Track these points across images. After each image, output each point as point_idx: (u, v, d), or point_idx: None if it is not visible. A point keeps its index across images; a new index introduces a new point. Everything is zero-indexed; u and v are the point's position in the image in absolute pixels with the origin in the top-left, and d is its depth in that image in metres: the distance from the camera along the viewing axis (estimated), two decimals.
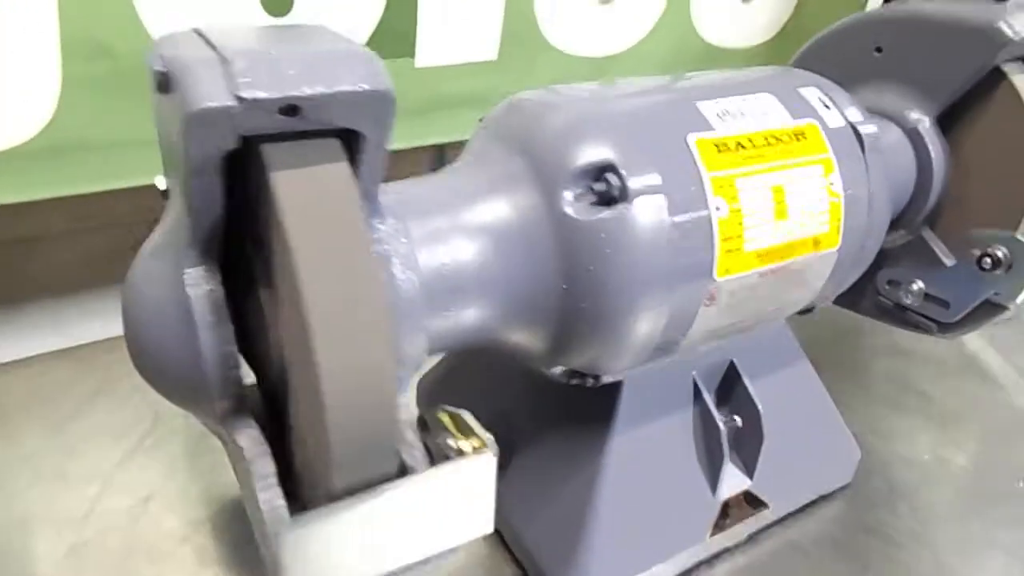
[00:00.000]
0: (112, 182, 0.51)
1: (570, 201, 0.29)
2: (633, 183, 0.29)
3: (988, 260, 0.42)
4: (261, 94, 0.20)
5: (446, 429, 0.26)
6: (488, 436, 0.25)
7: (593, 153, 0.30)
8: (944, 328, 0.46)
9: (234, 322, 0.26)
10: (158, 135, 0.30)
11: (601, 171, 0.29)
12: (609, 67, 0.74)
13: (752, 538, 0.42)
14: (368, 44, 0.58)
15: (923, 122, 0.44)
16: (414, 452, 0.26)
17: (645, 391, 0.37)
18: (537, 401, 0.40)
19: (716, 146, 0.32)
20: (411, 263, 0.28)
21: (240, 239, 0.26)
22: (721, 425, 0.38)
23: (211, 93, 0.20)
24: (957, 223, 0.45)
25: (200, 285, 0.24)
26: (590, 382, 0.34)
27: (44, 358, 0.53)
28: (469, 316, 0.30)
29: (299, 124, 0.22)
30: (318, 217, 0.22)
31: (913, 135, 0.44)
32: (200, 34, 0.23)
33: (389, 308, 0.22)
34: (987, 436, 0.53)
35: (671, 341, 0.33)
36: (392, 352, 0.23)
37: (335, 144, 0.23)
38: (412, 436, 0.26)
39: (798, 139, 0.35)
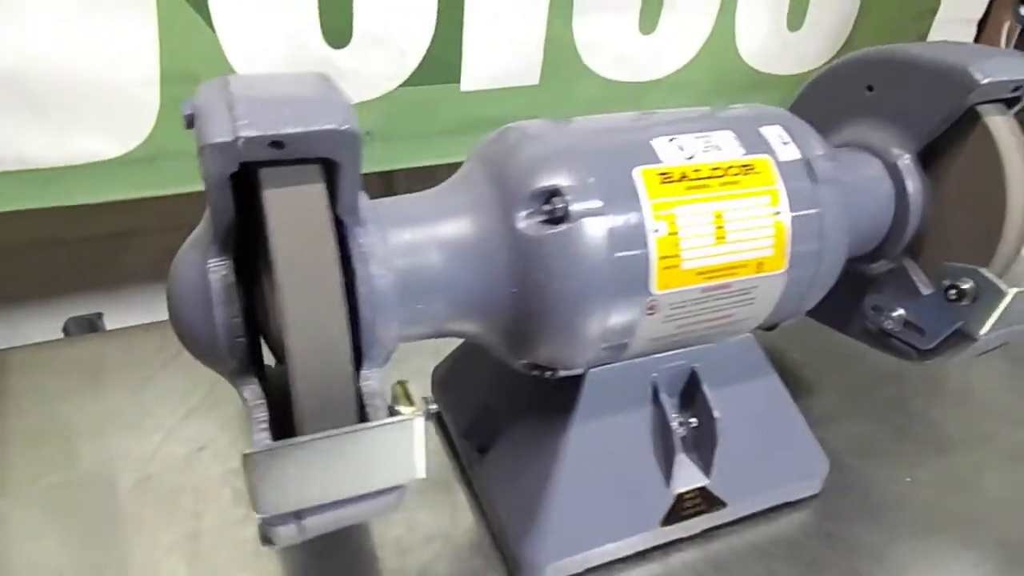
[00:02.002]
0: (198, 185, 0.61)
1: (523, 219, 0.35)
2: (575, 206, 0.35)
3: (954, 292, 0.44)
4: (253, 132, 0.27)
5: (398, 398, 0.32)
6: (418, 406, 0.31)
7: (546, 179, 0.35)
8: (922, 354, 0.48)
9: (250, 303, 0.33)
10: None
11: (550, 195, 0.35)
12: (649, 92, 0.78)
13: (711, 533, 0.46)
14: (416, 71, 0.65)
15: (903, 158, 0.47)
16: (379, 414, 0.32)
17: (606, 388, 0.42)
18: (515, 393, 0.45)
19: (661, 176, 0.37)
20: (387, 264, 0.34)
21: (254, 238, 0.33)
22: (673, 425, 0.42)
23: (218, 131, 0.27)
24: (936, 255, 0.47)
25: (218, 272, 0.32)
26: (548, 374, 0.40)
27: (136, 330, 0.64)
28: (435, 309, 0.36)
29: (285, 155, 0.29)
30: (296, 226, 0.29)
31: (893, 170, 0.47)
32: (225, 82, 0.31)
33: (343, 299, 0.29)
34: (973, 465, 0.54)
35: (618, 343, 0.38)
36: (344, 331, 0.29)
37: (316, 169, 0.30)
38: (379, 402, 0.33)
39: (747, 172, 0.39)
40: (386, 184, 0.83)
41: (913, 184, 0.46)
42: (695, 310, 0.39)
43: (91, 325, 0.79)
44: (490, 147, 0.39)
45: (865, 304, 0.51)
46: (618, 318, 0.37)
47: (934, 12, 0.89)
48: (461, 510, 0.48)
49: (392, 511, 0.34)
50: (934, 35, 1.01)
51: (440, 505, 0.48)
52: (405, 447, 0.30)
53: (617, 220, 0.35)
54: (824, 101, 0.52)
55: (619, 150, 0.37)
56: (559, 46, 0.71)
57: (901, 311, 0.48)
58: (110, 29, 0.54)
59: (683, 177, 0.37)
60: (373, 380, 0.34)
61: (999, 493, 0.51)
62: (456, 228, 0.36)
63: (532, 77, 0.72)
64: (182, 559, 0.44)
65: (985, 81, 0.42)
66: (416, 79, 0.66)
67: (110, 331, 0.73)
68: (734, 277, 0.38)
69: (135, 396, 0.56)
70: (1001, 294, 0.42)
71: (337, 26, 0.61)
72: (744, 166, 0.39)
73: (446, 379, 0.54)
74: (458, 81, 0.68)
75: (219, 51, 0.57)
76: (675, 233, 0.36)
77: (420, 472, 0.31)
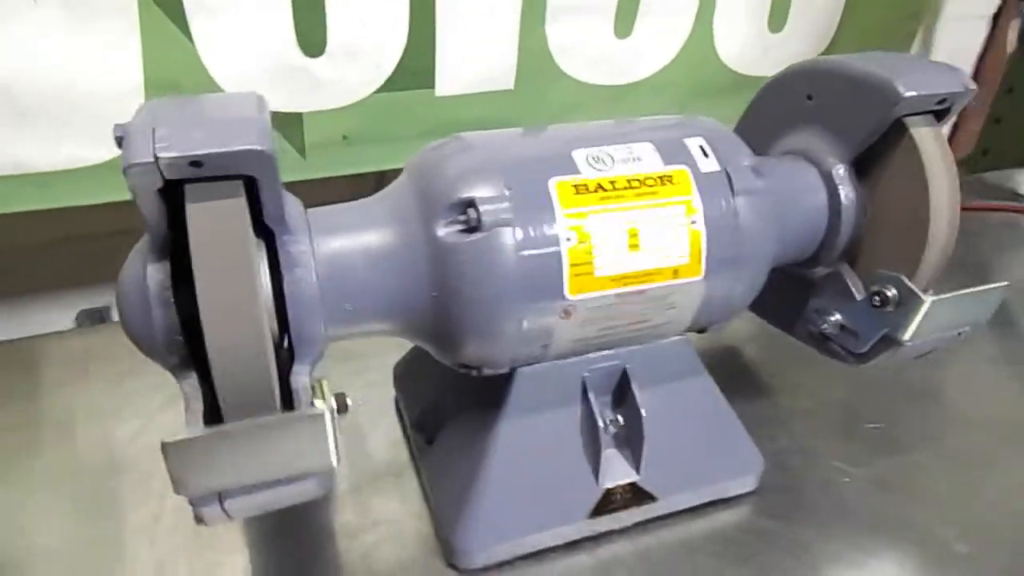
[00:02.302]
0: None
1: (442, 227, 0.38)
2: (489, 217, 0.37)
3: (878, 298, 0.45)
4: (172, 154, 0.30)
5: (314, 393, 0.35)
6: (327, 402, 0.34)
7: (463, 191, 0.38)
8: (856, 358, 0.49)
9: (192, 303, 0.36)
10: None
11: (467, 206, 0.37)
12: (627, 95, 0.80)
13: (643, 527, 0.48)
14: (391, 78, 0.68)
15: (837, 167, 0.48)
16: (304, 407, 0.35)
17: (535, 386, 0.44)
18: (457, 389, 0.48)
19: (575, 188, 0.39)
20: (313, 269, 0.37)
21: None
22: (600, 422, 0.45)
23: (140, 153, 0.30)
24: (870, 262, 0.48)
25: (155, 276, 0.35)
26: (474, 372, 0.42)
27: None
28: (362, 312, 0.39)
29: (205, 172, 0.32)
30: (214, 238, 0.32)
31: (827, 178, 0.48)
32: (154, 107, 0.34)
33: (258, 303, 0.32)
34: (914, 465, 0.55)
35: (538, 345, 0.41)
36: (260, 331, 0.32)
37: (237, 184, 0.33)
38: (305, 396, 0.36)
39: (663, 182, 0.41)
40: (377, 184, 0.86)
41: (846, 192, 0.48)
42: (613, 313, 0.41)
43: (100, 317, 0.84)
44: (424, 156, 0.42)
45: (808, 307, 0.52)
46: (533, 321, 0.39)
47: (920, 15, 0.89)
48: (410, 498, 0.50)
49: (315, 497, 0.37)
50: (943, 32, 1.00)
51: (392, 492, 0.51)
52: (316, 438, 0.33)
53: (529, 230, 0.38)
54: (773, 108, 0.54)
55: (538, 163, 0.40)
56: (533, 52, 0.73)
57: (838, 315, 0.50)
58: (96, 42, 0.57)
59: (598, 188, 0.39)
60: (303, 375, 0.37)
61: (933, 494, 0.52)
62: (382, 235, 0.39)
63: (507, 82, 0.74)
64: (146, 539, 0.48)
65: (908, 94, 0.43)
66: (391, 85, 0.68)
67: (117, 322, 0.77)
68: (650, 283, 0.40)
69: (117, 388, 0.60)
70: (920, 302, 0.43)
71: (312, 37, 0.63)
72: (662, 177, 0.41)
73: (404, 374, 0.56)
74: (432, 87, 0.70)
75: (198, 62, 0.61)
76: (587, 241, 0.39)
77: (332, 462, 0.34)
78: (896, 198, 0.46)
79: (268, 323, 0.36)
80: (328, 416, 0.33)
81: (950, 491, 0.53)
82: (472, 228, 0.37)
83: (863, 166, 0.48)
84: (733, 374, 0.64)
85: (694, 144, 0.43)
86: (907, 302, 0.44)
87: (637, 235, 0.40)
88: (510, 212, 0.37)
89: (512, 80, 0.74)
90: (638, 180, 0.40)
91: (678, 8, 0.77)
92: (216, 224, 0.32)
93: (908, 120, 0.45)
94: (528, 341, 0.40)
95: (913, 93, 0.43)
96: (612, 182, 0.40)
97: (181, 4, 0.58)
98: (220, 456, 0.32)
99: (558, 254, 0.38)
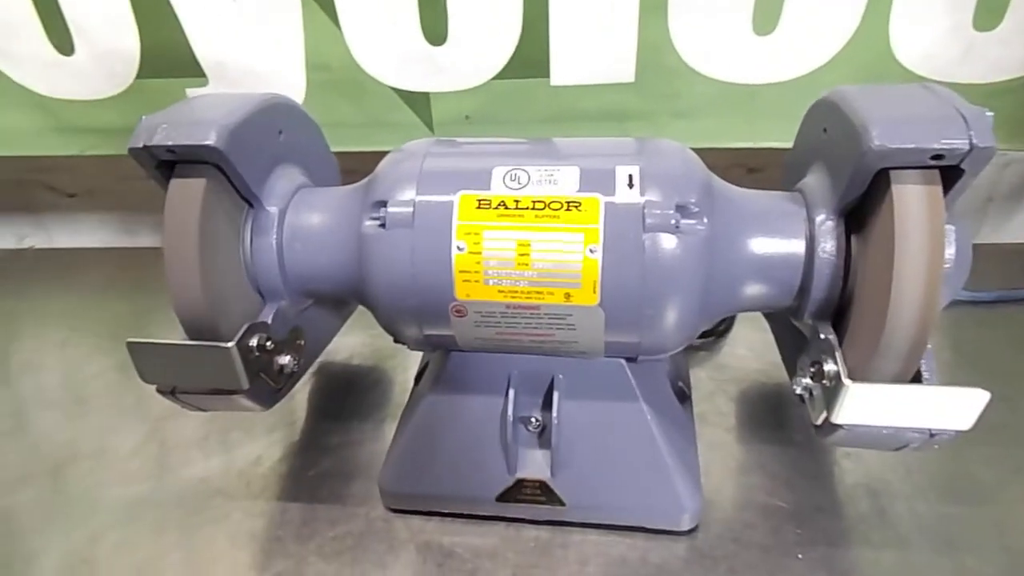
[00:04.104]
0: (334, 147, 0.80)
1: (367, 220, 0.45)
2: (391, 218, 0.43)
3: (814, 367, 0.40)
4: (154, 142, 0.42)
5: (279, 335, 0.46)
6: (255, 341, 0.44)
7: (382, 193, 0.44)
8: (816, 429, 0.44)
9: None
10: None
11: (381, 206, 0.44)
12: (766, 94, 0.74)
13: (557, 526, 0.50)
14: (507, 66, 0.74)
15: (821, 216, 0.42)
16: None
17: (464, 370, 0.49)
18: (432, 357, 0.55)
19: (479, 202, 0.42)
20: (274, 235, 0.47)
21: None
22: (511, 417, 0.48)
23: (137, 140, 0.43)
24: (852, 328, 0.42)
25: None
26: (400, 345, 0.49)
27: None
28: (311, 277, 0.48)
29: (181, 157, 0.43)
30: (178, 205, 0.43)
31: (811, 226, 0.43)
32: (182, 103, 0.46)
33: (201, 258, 0.43)
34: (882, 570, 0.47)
35: (441, 335, 0.46)
36: (200, 284, 0.43)
37: (207, 168, 0.44)
38: (252, 331, 0.47)
39: (570, 208, 0.42)
40: None
41: (824, 245, 0.42)
42: (509, 322, 0.44)
43: None
44: (387, 156, 0.48)
45: (798, 362, 0.47)
46: (428, 314, 0.44)
47: None
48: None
49: (252, 411, 0.48)
50: None
51: (389, 424, 0.61)
52: (225, 365, 0.43)
53: (424, 235, 0.43)
54: (807, 137, 0.48)
55: (454, 175, 0.44)
56: (654, 46, 0.71)
57: (809, 379, 0.45)
58: (273, 30, 0.74)
59: (500, 205, 0.42)
60: (267, 317, 0.48)
61: None
62: (336, 217, 0.47)
63: (627, 75, 0.74)
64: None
65: (878, 146, 0.37)
66: (507, 73, 0.74)
67: None
68: (541, 301, 0.42)
69: None
70: (840, 384, 0.38)
71: (434, 28, 0.72)
72: (569, 202, 0.42)
73: None
74: (547, 76, 0.74)
75: (345, 47, 0.74)
76: (478, 252, 0.42)
77: (244, 385, 0.44)
78: (872, 263, 0.40)
79: (245, 273, 0.48)
80: (235, 351, 0.43)
81: None
82: (382, 225, 0.44)
83: (857, 219, 0.42)
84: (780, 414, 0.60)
85: (624, 173, 0.42)
86: (836, 380, 0.39)
87: (528, 255, 0.42)
88: (411, 216, 0.43)
89: (632, 73, 0.74)
90: (543, 202, 0.42)
91: (840, 1, 0.68)
92: (179, 195, 0.44)
93: (894, 174, 0.38)
94: (429, 330, 0.45)
95: (886, 145, 0.36)
96: (517, 201, 0.42)
97: (333, 2, 0.71)
98: (164, 362, 0.44)
99: (448, 259, 0.42)
